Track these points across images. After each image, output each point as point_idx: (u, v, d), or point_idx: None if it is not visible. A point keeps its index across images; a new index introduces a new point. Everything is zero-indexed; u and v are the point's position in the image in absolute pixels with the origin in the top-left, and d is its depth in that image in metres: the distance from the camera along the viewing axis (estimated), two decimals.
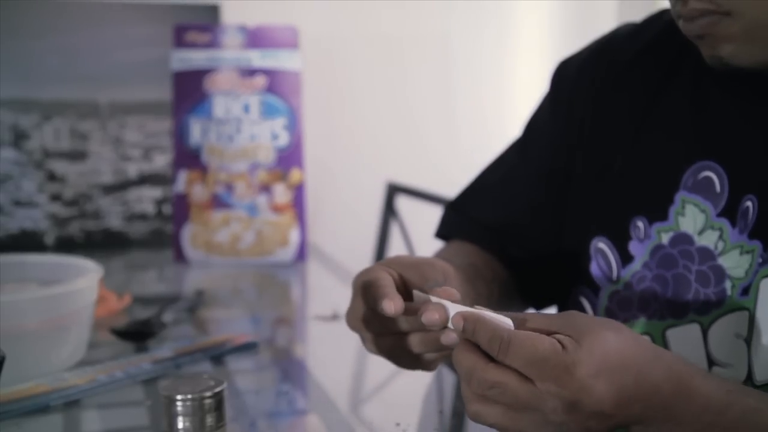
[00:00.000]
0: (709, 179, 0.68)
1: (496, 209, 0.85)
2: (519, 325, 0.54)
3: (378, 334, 0.65)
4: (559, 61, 0.85)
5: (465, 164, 1.80)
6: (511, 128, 1.87)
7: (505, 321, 0.54)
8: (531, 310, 0.89)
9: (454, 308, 0.56)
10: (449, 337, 0.58)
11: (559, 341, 0.52)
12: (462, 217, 0.87)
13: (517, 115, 1.83)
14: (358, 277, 0.66)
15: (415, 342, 0.63)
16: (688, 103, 0.71)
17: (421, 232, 1.56)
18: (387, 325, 0.63)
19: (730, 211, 0.66)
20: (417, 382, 0.85)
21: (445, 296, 0.59)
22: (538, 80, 1.76)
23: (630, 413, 0.52)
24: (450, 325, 0.56)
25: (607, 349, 0.52)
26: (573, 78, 0.81)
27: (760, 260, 0.64)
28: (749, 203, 0.65)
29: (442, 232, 0.89)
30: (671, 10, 0.66)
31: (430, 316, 0.57)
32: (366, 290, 0.64)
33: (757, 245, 0.64)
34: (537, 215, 0.82)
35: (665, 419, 0.53)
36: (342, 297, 1.14)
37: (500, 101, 1.84)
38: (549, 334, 0.53)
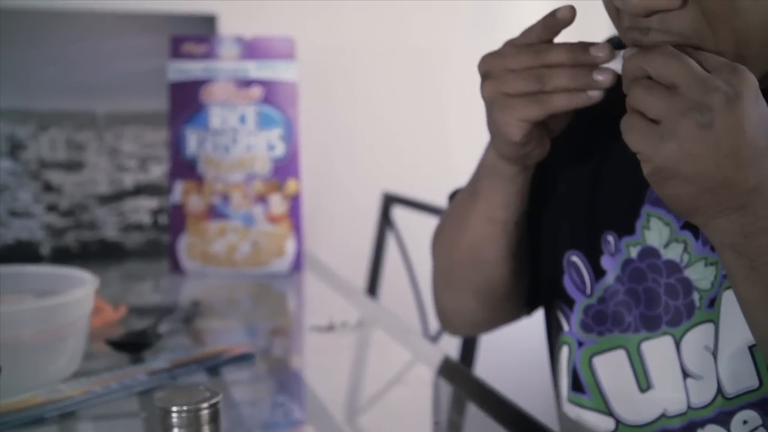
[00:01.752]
0: None
1: None
2: None
3: (513, 70, 0.64)
4: None
5: (461, 175, 1.80)
6: None
7: None
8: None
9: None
10: (605, 74, 0.61)
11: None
12: None
13: None
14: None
15: (560, 75, 0.62)
16: None
17: (417, 243, 1.56)
18: (539, 54, 0.63)
19: (693, 224, 0.66)
20: (413, 393, 0.85)
21: None
22: None
23: (755, 173, 0.53)
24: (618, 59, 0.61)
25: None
26: None
27: (724, 272, 0.64)
28: None
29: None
30: (623, 34, 0.64)
31: (600, 48, 0.61)
32: (519, 36, 0.66)
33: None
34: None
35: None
36: (338, 307, 1.15)
37: None
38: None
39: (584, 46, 0.62)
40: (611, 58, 0.62)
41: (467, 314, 0.88)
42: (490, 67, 0.66)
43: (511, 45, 0.66)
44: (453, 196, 0.90)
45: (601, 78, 0.62)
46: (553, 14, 0.64)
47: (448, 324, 0.93)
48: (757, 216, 0.54)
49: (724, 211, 0.55)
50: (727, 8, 0.58)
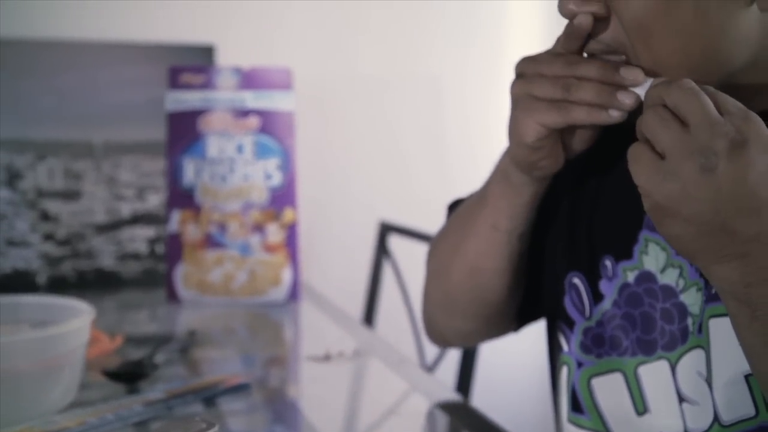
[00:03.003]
0: None
1: None
2: None
3: (544, 76, 0.65)
4: None
5: None
6: None
7: None
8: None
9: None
10: (629, 96, 0.61)
11: None
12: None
13: None
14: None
15: (586, 88, 0.63)
16: None
17: (413, 272, 1.56)
18: (570, 64, 0.63)
19: None
20: (410, 424, 0.85)
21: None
22: None
23: (756, 222, 0.53)
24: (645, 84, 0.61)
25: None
26: None
27: (705, 297, 0.65)
28: None
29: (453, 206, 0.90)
30: None
31: (631, 70, 0.61)
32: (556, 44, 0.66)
33: (703, 283, 0.66)
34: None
35: None
36: (335, 337, 1.15)
37: (491, 141, 1.85)
38: None
39: (616, 66, 0.63)
40: (640, 82, 0.62)
41: (458, 325, 0.88)
42: (525, 69, 0.67)
43: (548, 53, 0.67)
44: (453, 206, 0.90)
45: (626, 100, 0.62)
46: (571, 23, 0.65)
47: (437, 335, 0.92)
48: (758, 266, 0.54)
49: (724, 258, 0.55)
50: (640, 28, 0.60)
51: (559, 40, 0.67)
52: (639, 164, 0.56)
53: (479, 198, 0.79)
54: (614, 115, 0.63)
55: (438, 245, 0.88)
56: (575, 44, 0.65)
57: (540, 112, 0.65)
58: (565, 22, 0.65)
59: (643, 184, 0.56)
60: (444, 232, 0.88)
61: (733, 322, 0.58)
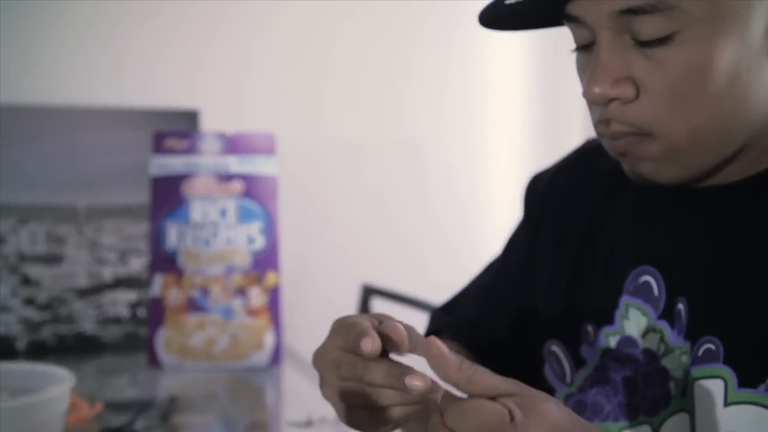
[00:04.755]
0: (647, 283, 0.70)
1: (480, 310, 0.87)
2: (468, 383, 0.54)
3: (344, 380, 0.62)
4: (531, 175, 0.88)
5: (440, 267, 1.82)
6: (485, 233, 1.90)
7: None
8: None
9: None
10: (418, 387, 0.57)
11: (509, 410, 0.52)
12: (448, 316, 0.89)
13: (490, 219, 1.86)
14: (338, 319, 0.64)
15: (387, 393, 0.61)
16: (630, 213, 0.75)
17: None
18: (356, 371, 0.61)
19: (669, 314, 0.68)
20: None
21: (391, 329, 0.60)
22: (511, 186, 1.80)
23: None
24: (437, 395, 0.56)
25: (554, 422, 0.53)
26: (543, 193, 0.85)
27: (690, 361, 0.66)
28: (681, 305, 0.67)
29: (429, 331, 0.90)
30: (595, 129, 0.67)
31: (413, 381, 0.57)
32: (344, 329, 0.62)
33: (689, 346, 0.66)
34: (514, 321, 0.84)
35: None
36: (317, 402, 1.13)
37: (474, 206, 1.87)
38: (499, 395, 0.53)
39: (402, 372, 0.59)
40: (427, 387, 0.58)
41: None
42: (324, 372, 0.65)
43: (335, 346, 0.63)
44: (434, 315, 0.92)
45: (415, 390, 0.58)
46: (358, 341, 0.60)
47: None
48: None
49: None
50: (677, 98, 0.61)
51: (351, 329, 0.62)
52: None
53: None
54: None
55: None
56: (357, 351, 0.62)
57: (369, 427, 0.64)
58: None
59: None
60: None
61: None
